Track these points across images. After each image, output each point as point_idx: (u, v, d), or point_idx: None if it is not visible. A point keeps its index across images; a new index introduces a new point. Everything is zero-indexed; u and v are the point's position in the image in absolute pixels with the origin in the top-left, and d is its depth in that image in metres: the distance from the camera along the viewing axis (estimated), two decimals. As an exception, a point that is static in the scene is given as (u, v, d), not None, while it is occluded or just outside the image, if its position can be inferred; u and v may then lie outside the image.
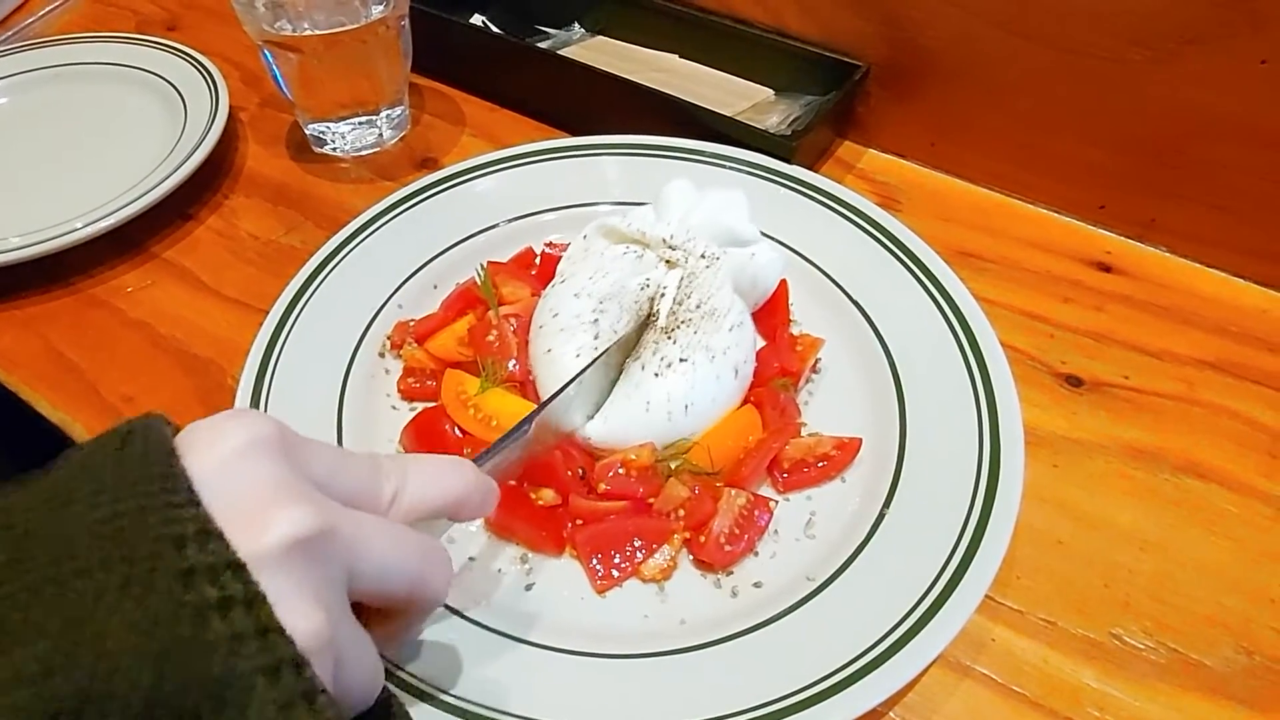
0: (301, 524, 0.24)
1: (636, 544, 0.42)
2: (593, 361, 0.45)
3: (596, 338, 0.47)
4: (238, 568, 0.22)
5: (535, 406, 0.43)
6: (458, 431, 0.46)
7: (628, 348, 0.48)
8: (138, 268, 0.60)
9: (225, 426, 0.26)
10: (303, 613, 0.23)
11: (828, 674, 0.36)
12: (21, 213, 0.61)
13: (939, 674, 0.40)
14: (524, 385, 0.48)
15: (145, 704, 0.20)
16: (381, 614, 0.31)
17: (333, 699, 0.23)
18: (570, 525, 0.43)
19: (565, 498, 0.43)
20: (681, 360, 0.45)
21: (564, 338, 0.47)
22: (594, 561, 0.42)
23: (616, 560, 0.41)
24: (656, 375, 0.45)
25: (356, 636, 0.27)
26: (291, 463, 0.26)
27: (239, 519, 0.23)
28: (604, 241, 0.52)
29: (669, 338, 0.46)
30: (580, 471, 0.44)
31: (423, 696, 0.36)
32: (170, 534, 0.22)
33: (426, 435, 0.46)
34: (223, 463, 0.25)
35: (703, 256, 0.49)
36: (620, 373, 0.47)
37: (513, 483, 0.44)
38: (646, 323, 0.49)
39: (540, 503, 0.43)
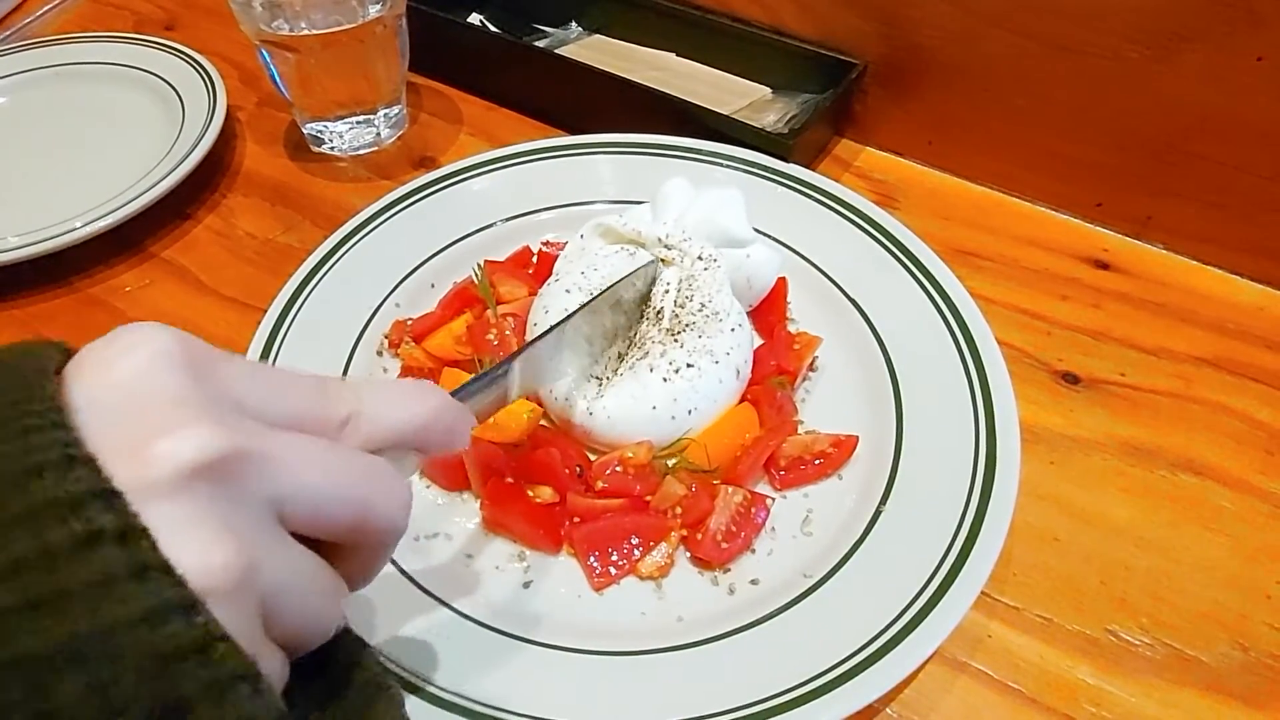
0: (201, 446, 0.20)
1: (634, 541, 0.42)
2: (575, 312, 0.43)
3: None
4: (109, 495, 0.19)
5: (513, 352, 0.40)
6: None
7: (615, 333, 0.48)
8: (136, 267, 0.61)
9: (117, 344, 0.22)
10: (201, 545, 0.20)
11: (824, 670, 0.36)
12: (20, 212, 0.61)
13: (935, 670, 0.40)
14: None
15: (15, 659, 0.18)
16: (339, 550, 0.26)
17: (237, 647, 0.20)
18: (567, 523, 0.43)
19: (563, 495, 0.43)
20: (689, 365, 0.45)
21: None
22: (591, 559, 0.42)
23: (614, 558, 0.42)
24: (665, 380, 0.45)
25: (297, 563, 0.23)
26: (198, 379, 0.22)
27: (124, 445, 0.20)
28: (600, 241, 0.52)
29: (675, 340, 0.46)
30: (578, 469, 0.44)
31: (420, 694, 0.36)
32: (25, 465, 0.19)
33: None
34: (112, 383, 0.21)
35: (700, 258, 0.49)
36: (605, 346, 0.47)
37: (510, 480, 0.44)
38: (641, 313, 0.49)
39: (538, 500, 0.43)
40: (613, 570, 0.41)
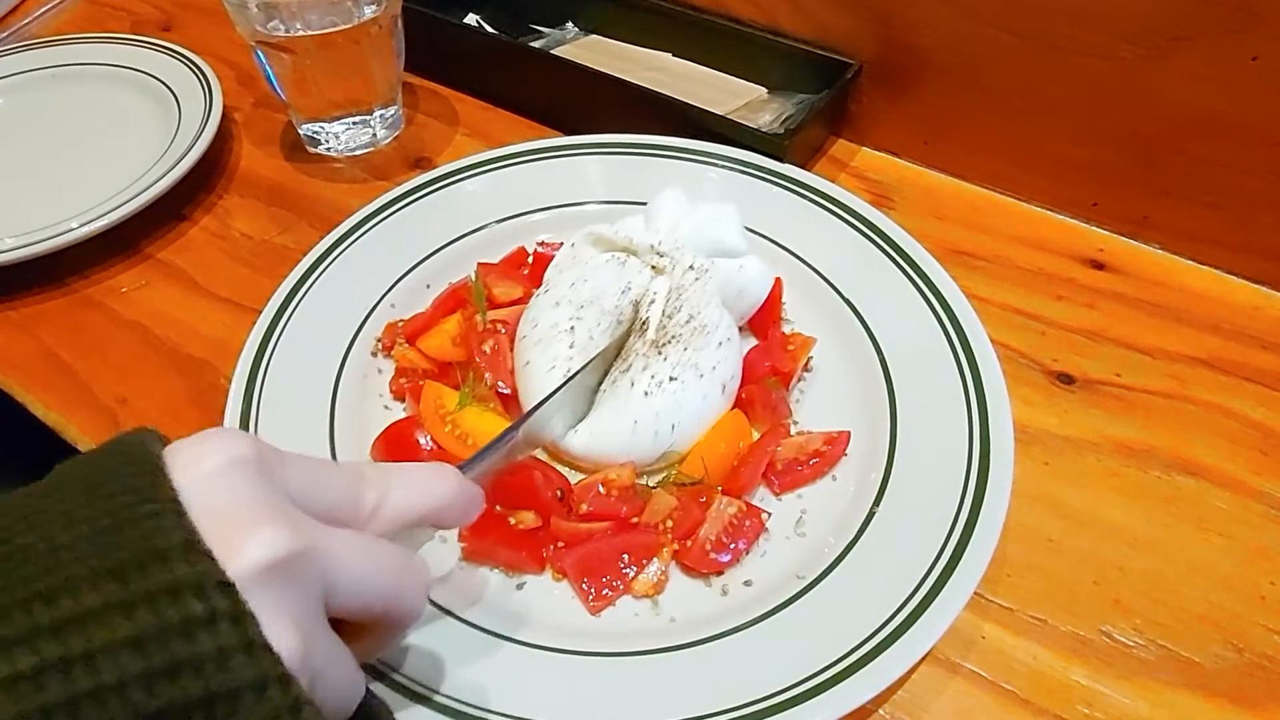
0: (277, 545, 0.24)
1: (626, 560, 0.41)
2: (575, 374, 0.45)
3: (571, 346, 0.46)
4: (224, 585, 0.23)
5: (519, 417, 0.43)
6: (429, 443, 0.46)
7: (610, 355, 0.47)
8: (132, 268, 0.60)
9: (204, 445, 0.26)
10: (278, 632, 0.23)
11: (817, 671, 0.36)
12: (16, 213, 0.61)
13: (928, 671, 0.40)
14: (508, 399, 0.48)
15: (134, 718, 0.21)
16: (360, 627, 0.31)
17: (317, 709, 0.24)
18: (553, 548, 0.42)
19: (546, 520, 0.42)
20: (671, 379, 0.45)
21: (539, 350, 0.47)
22: (584, 584, 0.41)
23: (607, 579, 0.41)
24: (646, 394, 0.44)
25: (333, 652, 0.27)
26: (269, 480, 0.26)
27: (217, 538, 0.23)
28: (591, 249, 0.52)
29: (659, 353, 0.46)
30: (559, 493, 0.43)
31: (414, 697, 0.36)
32: (155, 547, 0.22)
33: (396, 446, 0.46)
34: (201, 480, 0.25)
35: (691, 268, 0.49)
36: (603, 378, 0.47)
37: (497, 509, 0.43)
38: (630, 328, 0.48)
39: (520, 526, 0.42)
40: (608, 592, 0.41)
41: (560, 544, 0.42)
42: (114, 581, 0.22)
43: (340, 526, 0.29)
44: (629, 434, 0.44)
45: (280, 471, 0.27)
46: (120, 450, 0.25)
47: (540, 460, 0.46)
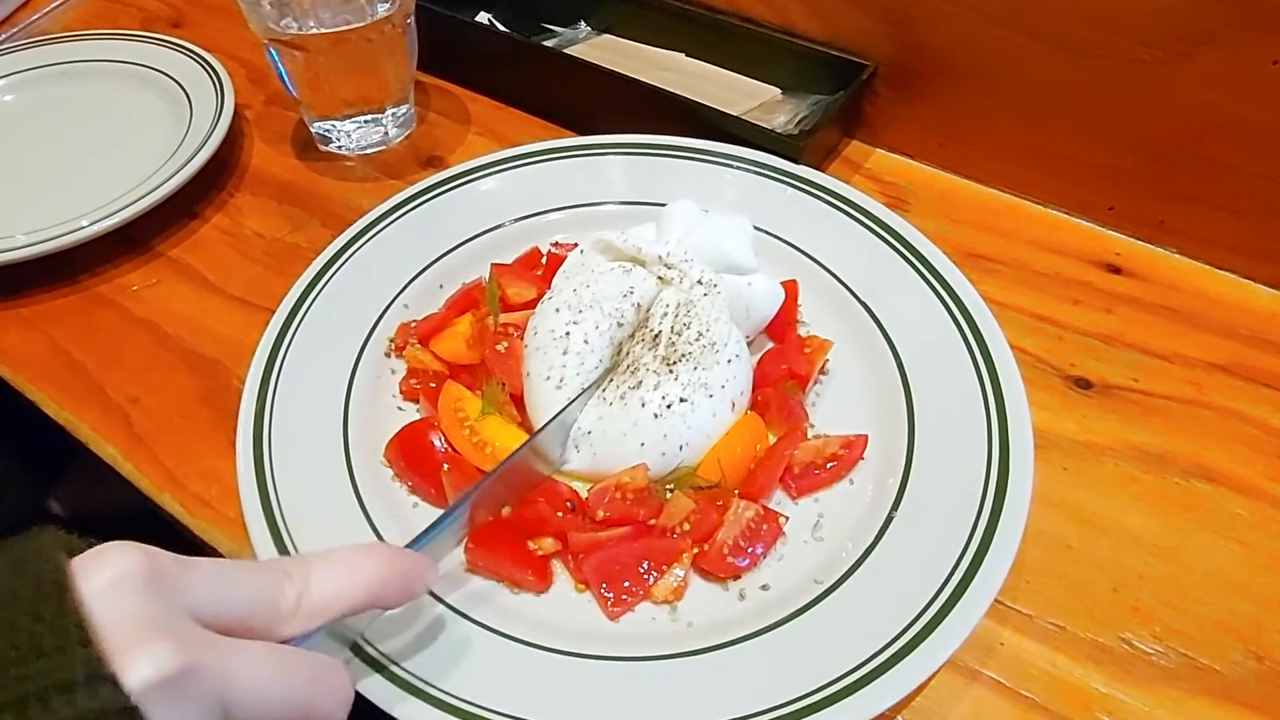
0: (160, 664, 0.23)
1: (645, 566, 0.41)
2: (546, 424, 0.44)
3: (565, 352, 0.46)
4: (130, 711, 0.22)
5: (481, 478, 0.41)
6: (444, 445, 0.45)
7: (606, 378, 0.47)
8: (143, 266, 0.60)
9: (91, 564, 0.25)
10: None
11: (835, 678, 0.36)
12: (27, 211, 0.60)
13: (947, 677, 0.40)
14: (523, 407, 0.48)
15: None
16: None
17: None
18: (573, 560, 0.42)
19: (564, 538, 0.42)
20: (682, 400, 0.44)
21: (538, 358, 0.47)
22: (603, 588, 0.40)
23: (627, 584, 0.40)
24: (656, 416, 0.44)
25: None
26: (161, 594, 0.25)
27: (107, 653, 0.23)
28: (599, 257, 0.51)
29: (671, 371, 0.45)
30: (569, 505, 0.43)
31: (427, 699, 0.36)
32: (57, 681, 0.22)
33: (412, 449, 0.45)
34: (92, 598, 0.24)
35: (700, 282, 0.48)
36: (606, 387, 0.47)
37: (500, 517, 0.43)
38: (634, 333, 0.48)
39: (541, 553, 0.42)
40: (626, 597, 0.40)
41: (581, 555, 0.41)
42: (14, 716, 0.22)
43: (259, 629, 0.28)
44: (636, 456, 0.44)
45: (181, 581, 0.26)
46: (23, 567, 0.25)
47: (544, 479, 0.45)
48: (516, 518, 0.42)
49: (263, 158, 0.69)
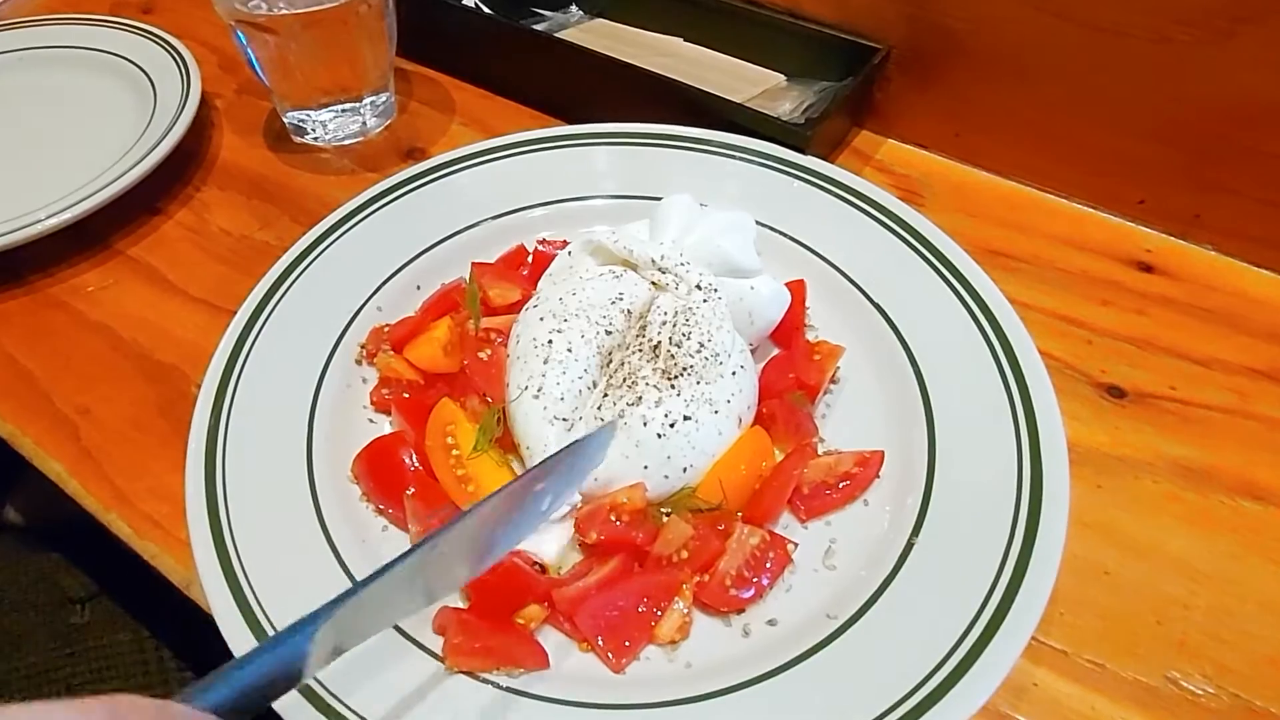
0: None
1: (644, 605, 0.37)
2: (405, 553, 0.30)
3: (546, 361, 0.43)
4: None
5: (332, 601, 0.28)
6: (415, 465, 0.41)
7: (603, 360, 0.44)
8: (100, 265, 0.57)
9: None
10: None
11: (853, 730, 0.32)
12: (-25, 206, 0.57)
13: (976, 724, 0.36)
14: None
15: None
16: None
17: None
18: (567, 622, 0.37)
19: (547, 598, 0.38)
20: (686, 419, 0.41)
21: (519, 367, 0.43)
22: (600, 641, 0.36)
23: (626, 629, 0.36)
24: (660, 436, 0.40)
25: None
26: None
27: None
28: (589, 259, 0.48)
29: (672, 386, 0.42)
30: (537, 567, 0.39)
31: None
32: None
33: (379, 466, 0.42)
34: None
35: (699, 288, 0.45)
36: (601, 404, 0.42)
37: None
38: (624, 340, 0.44)
39: (532, 625, 0.37)
40: (628, 643, 0.36)
41: (572, 610, 0.37)
42: None
43: None
44: (637, 474, 0.40)
45: None
46: None
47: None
48: (490, 590, 0.37)
49: (232, 150, 0.66)
